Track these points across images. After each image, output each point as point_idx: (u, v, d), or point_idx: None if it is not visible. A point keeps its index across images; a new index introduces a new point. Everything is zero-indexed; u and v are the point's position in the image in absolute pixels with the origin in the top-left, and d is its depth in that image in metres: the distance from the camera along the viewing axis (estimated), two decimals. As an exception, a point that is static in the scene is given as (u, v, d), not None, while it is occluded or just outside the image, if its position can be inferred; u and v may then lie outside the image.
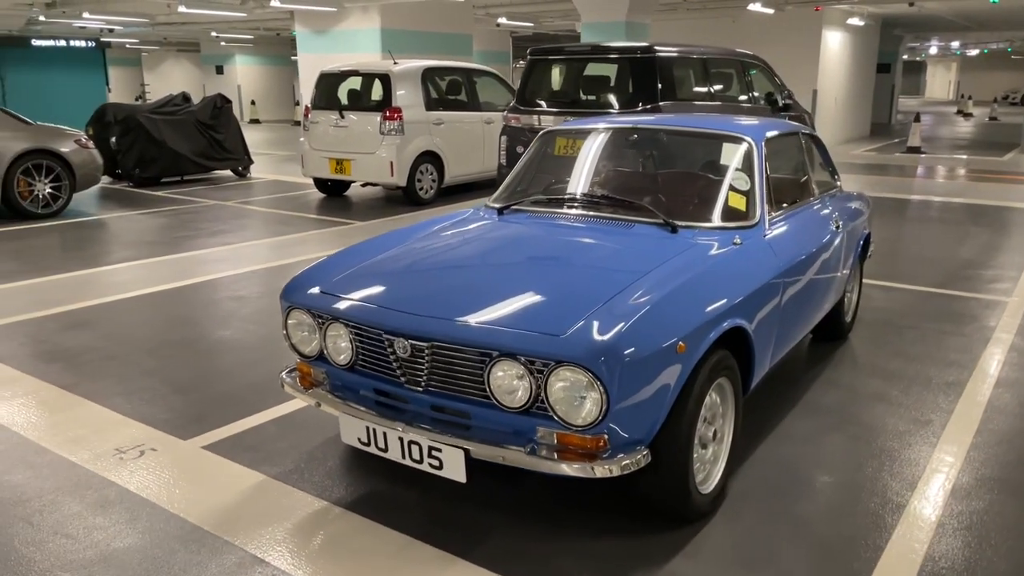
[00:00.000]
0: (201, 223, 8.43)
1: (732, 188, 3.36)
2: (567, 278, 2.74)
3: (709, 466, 2.82)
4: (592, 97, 7.56)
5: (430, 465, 2.51)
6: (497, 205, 3.62)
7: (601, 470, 2.33)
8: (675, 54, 7.36)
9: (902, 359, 4.33)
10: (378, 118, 9.16)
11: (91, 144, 9.16)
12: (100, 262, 6.63)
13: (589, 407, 2.30)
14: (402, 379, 2.60)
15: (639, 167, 3.73)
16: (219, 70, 28.53)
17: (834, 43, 16.77)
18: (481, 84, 10.52)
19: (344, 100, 9.73)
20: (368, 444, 2.64)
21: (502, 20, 17.01)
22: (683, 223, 3.19)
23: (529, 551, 2.57)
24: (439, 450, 2.47)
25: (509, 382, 2.39)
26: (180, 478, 3.03)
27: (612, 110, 7.19)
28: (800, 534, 2.68)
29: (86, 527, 2.70)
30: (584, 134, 3.91)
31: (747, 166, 3.39)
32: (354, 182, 9.92)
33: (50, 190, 8.72)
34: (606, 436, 2.34)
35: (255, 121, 27.04)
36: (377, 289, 2.77)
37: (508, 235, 3.25)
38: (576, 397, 2.32)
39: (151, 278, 6.07)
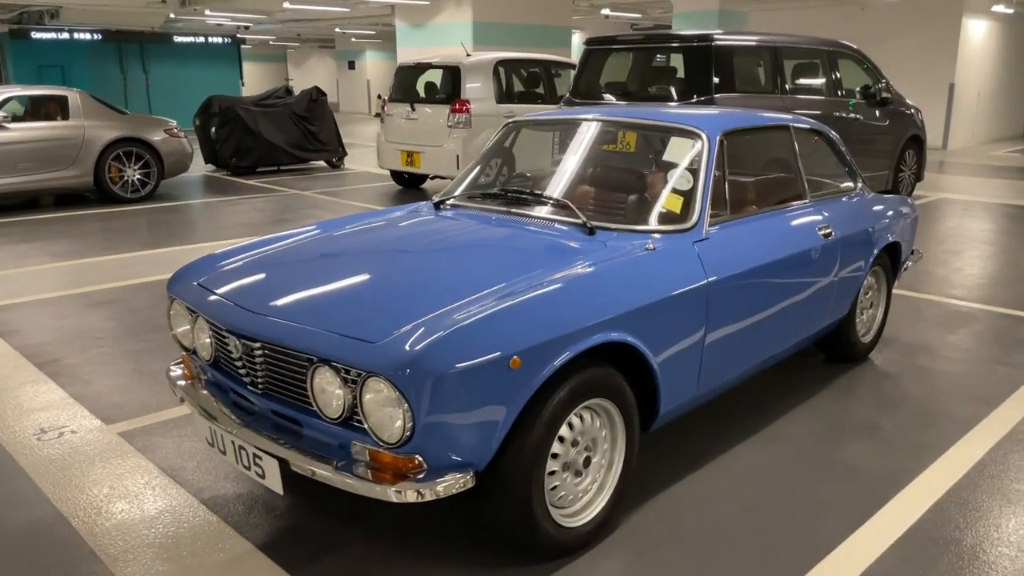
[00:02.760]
0: (272, 211, 8.68)
1: (671, 187, 3.00)
2: (433, 280, 2.51)
3: (588, 496, 2.52)
4: (647, 88, 7.16)
5: (256, 473, 2.36)
6: (436, 199, 3.43)
7: (412, 494, 2.10)
8: (738, 43, 6.83)
9: (919, 386, 3.77)
10: (446, 111, 9.11)
11: (181, 134, 9.65)
12: (162, 244, 6.93)
13: (397, 424, 2.08)
14: (246, 380, 2.47)
15: (587, 162, 3.41)
16: (351, 65, 29.61)
17: (977, 33, 15.20)
18: (565, 77, 10.24)
19: (421, 93, 9.76)
20: (213, 445, 2.53)
21: (607, 11, 16.59)
22: (604, 224, 2.88)
23: (369, 572, 2.38)
24: (260, 458, 2.32)
25: (330, 390, 2.21)
26: (73, 462, 3.04)
27: (668, 102, 6.78)
28: (675, 584, 2.34)
29: (-35, 504, 2.75)
30: (542, 126, 3.64)
31: (693, 163, 3.02)
32: (425, 175, 9.93)
33: (139, 176, 9.27)
34: (419, 457, 2.11)
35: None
36: (240, 284, 2.64)
37: (417, 232, 3.05)
38: (388, 412, 2.11)
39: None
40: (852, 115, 7.98)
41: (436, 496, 2.11)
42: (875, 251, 3.87)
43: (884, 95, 8.31)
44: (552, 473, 2.37)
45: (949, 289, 5.51)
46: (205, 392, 2.68)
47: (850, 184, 4.01)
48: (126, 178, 9.17)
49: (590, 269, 2.50)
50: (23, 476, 2.94)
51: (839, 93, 7.92)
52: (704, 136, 3.07)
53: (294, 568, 2.40)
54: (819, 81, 7.80)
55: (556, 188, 3.26)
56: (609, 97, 7.37)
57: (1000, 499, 2.79)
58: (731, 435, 3.28)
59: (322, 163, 12.76)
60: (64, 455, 3.11)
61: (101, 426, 3.37)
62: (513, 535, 2.33)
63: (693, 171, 3.01)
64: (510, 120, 3.75)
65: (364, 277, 2.57)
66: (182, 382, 2.77)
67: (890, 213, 4.08)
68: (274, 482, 2.31)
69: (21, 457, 3.09)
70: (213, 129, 11.63)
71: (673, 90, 6.77)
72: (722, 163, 3.08)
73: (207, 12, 16.24)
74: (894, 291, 5.42)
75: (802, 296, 3.34)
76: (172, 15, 16.68)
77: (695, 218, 2.90)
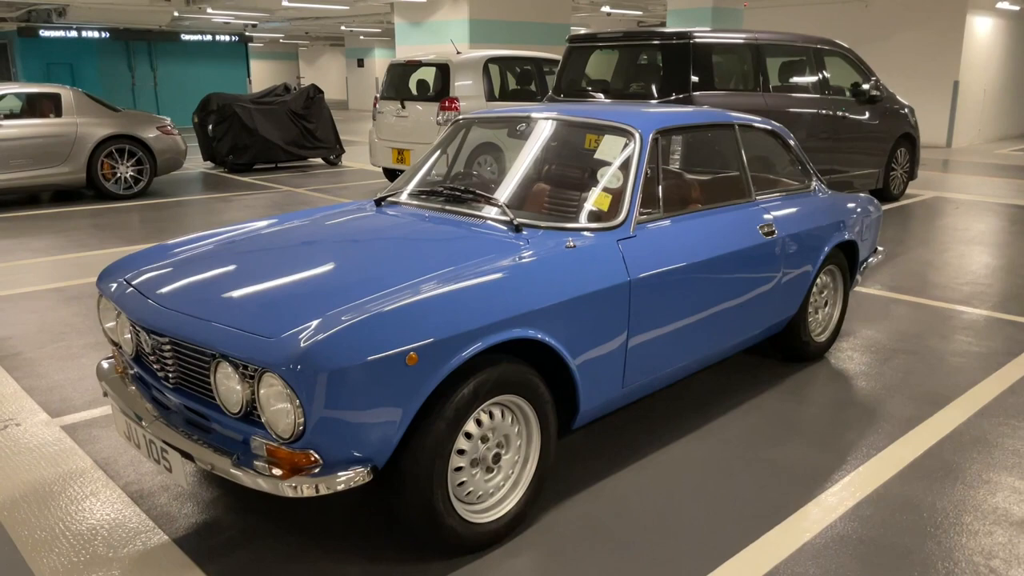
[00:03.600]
0: (264, 208, 8.74)
1: (599, 184, 3.01)
2: (345, 276, 2.52)
3: (502, 492, 2.53)
4: (626, 86, 7.14)
5: (164, 466, 2.39)
6: (379, 196, 3.45)
7: (308, 489, 2.12)
8: (717, 41, 6.80)
9: (870, 385, 3.74)
10: (436, 108, 9.13)
11: (175, 131, 9.74)
12: (147, 240, 7.00)
13: (289, 419, 2.10)
14: (160, 374, 2.50)
15: (525, 159, 3.40)
16: (360, 63, 29.72)
17: (982, 30, 15.03)
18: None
19: (413, 91, 9.78)
20: (130, 439, 2.56)
21: (608, 8, 16.54)
22: (532, 222, 2.89)
23: (272, 570, 2.40)
24: (167, 452, 2.35)
25: (230, 385, 2.23)
26: (12, 454, 3.09)
27: (648, 100, 6.75)
28: (579, 581, 2.34)
29: (-102, 495, 2.81)
30: (487, 124, 3.65)
31: (625, 161, 3.02)
32: (416, 172, 9.96)
33: (132, 173, 9.36)
34: (313, 452, 2.13)
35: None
36: (157, 279, 2.66)
37: (348, 229, 3.07)
38: (282, 407, 2.13)
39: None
40: (839, 113, 7.92)
41: (333, 490, 2.13)
42: (826, 249, 3.84)
43: (873, 93, 8.24)
44: (459, 469, 2.38)
45: (922, 289, 5.47)
46: (132, 388, 2.71)
47: (803, 183, 3.99)
48: (119, 175, 9.26)
49: (502, 266, 2.51)
50: (-41, 467, 3.00)
51: (826, 91, 7.86)
52: (636, 134, 3.06)
53: (204, 561, 2.43)
54: (804, 79, 7.74)
55: (491, 186, 3.27)
56: (599, 96, 7.35)
57: (923, 498, 2.77)
58: (666, 433, 3.28)
59: (319, 160, 12.82)
60: (4, 447, 3.15)
61: (47, 419, 3.42)
62: (417, 530, 2.34)
63: (624, 169, 3.01)
64: (458, 118, 3.76)
65: (280, 272, 2.59)
66: (111, 377, 2.81)
67: (845, 212, 4.05)
68: (179, 476, 2.34)
69: (-38, 449, 3.14)
70: (210, 126, 11.72)
71: (648, 88, 6.75)
72: (655, 161, 3.08)
73: (209, 10, 16.35)
74: (863, 290, 5.39)
75: (741, 294, 3.33)
76: (176, 13, 16.81)
77: (622, 216, 2.90)
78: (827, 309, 4.15)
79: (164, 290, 2.55)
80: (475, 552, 2.46)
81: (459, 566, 2.41)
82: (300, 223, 3.19)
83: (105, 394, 2.74)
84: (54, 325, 4.68)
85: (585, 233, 2.84)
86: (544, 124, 3.39)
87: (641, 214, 2.99)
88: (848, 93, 8.25)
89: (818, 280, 3.98)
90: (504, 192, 3.16)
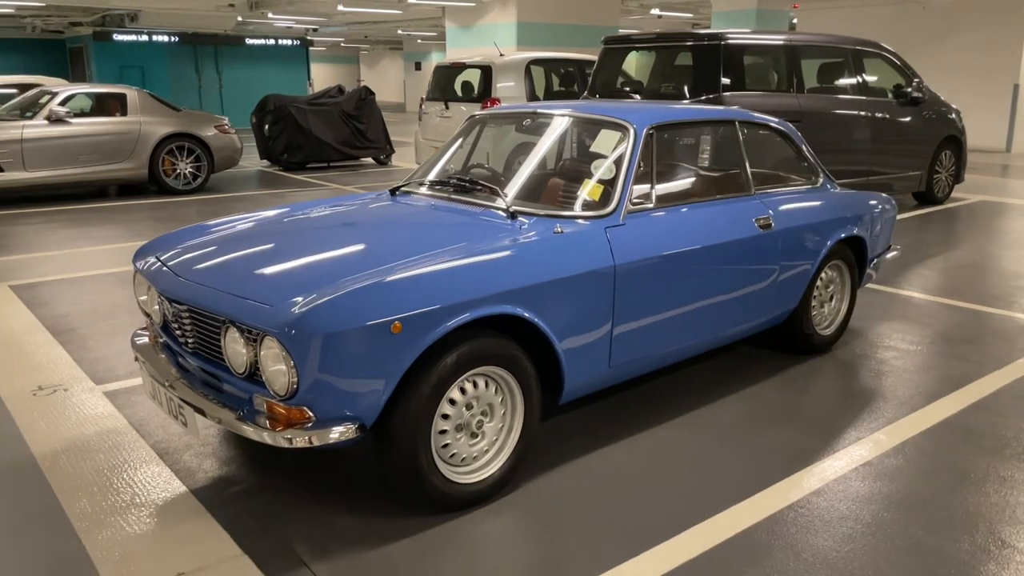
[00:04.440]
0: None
1: (593, 175, 3.19)
2: (348, 254, 2.76)
3: (487, 457, 2.73)
4: (659, 87, 7.27)
5: (181, 422, 2.67)
6: (393, 185, 3.70)
7: (301, 440, 2.36)
8: (750, 42, 6.88)
9: (869, 379, 3.83)
10: (478, 109, 9.38)
11: (231, 130, 10.22)
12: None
13: (284, 379, 2.35)
14: (180, 340, 2.78)
15: (530, 152, 3.60)
16: (417, 66, 30.29)
17: (1046, 31, 14.60)
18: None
19: (458, 92, 10.06)
20: (154, 398, 2.84)
21: (657, 11, 16.58)
22: (528, 209, 3.09)
23: (274, 517, 2.65)
24: (184, 408, 2.62)
25: (236, 348, 2.49)
26: (58, 414, 3.42)
27: (679, 100, 6.87)
28: (542, 543, 2.53)
29: (-42, 445, 3.16)
30: (498, 120, 3.86)
31: (618, 154, 3.20)
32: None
33: (191, 169, 9.86)
34: (307, 409, 2.37)
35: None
36: (182, 254, 2.95)
37: (360, 214, 3.31)
38: (278, 367, 2.37)
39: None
40: (879, 115, 7.89)
41: (324, 443, 2.36)
42: (829, 244, 3.94)
43: (915, 95, 8.17)
44: (444, 432, 2.59)
45: (945, 289, 5.47)
46: (162, 355, 3.00)
47: (809, 179, 4.09)
48: (178, 171, 9.77)
49: (489, 248, 2.71)
50: (12, 424, 3.33)
51: (865, 93, 7.84)
52: (631, 128, 3.24)
53: (215, 508, 2.69)
54: (842, 81, 7.74)
55: (495, 176, 3.48)
56: (635, 96, 7.50)
57: (891, 486, 2.88)
58: (657, 416, 3.43)
59: (370, 160, 13.22)
60: (52, 408, 3.49)
61: (91, 386, 3.75)
62: (402, 486, 2.56)
63: (618, 161, 3.19)
64: (473, 115, 3.98)
65: (290, 250, 2.84)
66: (142, 344, 3.11)
67: (853, 208, 4.13)
68: (193, 429, 2.61)
69: (16, 409, 3.48)
70: (267, 126, 12.21)
71: (680, 89, 6.87)
72: (649, 154, 3.25)
73: (270, 15, 16.96)
74: (887, 288, 5.43)
75: (735, 283, 3.47)
76: (240, 18, 17.49)
77: (612, 205, 3.08)
78: (834, 303, 4.24)
79: (186, 265, 2.83)
80: (458, 510, 2.67)
81: (443, 522, 2.62)
82: (320, 210, 3.45)
83: (136, 359, 3.03)
84: (107, 305, 5.06)
85: (578, 220, 3.03)
86: (548, 120, 3.59)
87: (634, 204, 3.16)
88: (890, 95, 8.21)
89: (823, 274, 4.08)
90: (505, 182, 3.37)
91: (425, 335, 2.44)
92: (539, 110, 3.64)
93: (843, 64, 7.79)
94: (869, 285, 5.37)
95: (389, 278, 2.46)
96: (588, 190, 3.15)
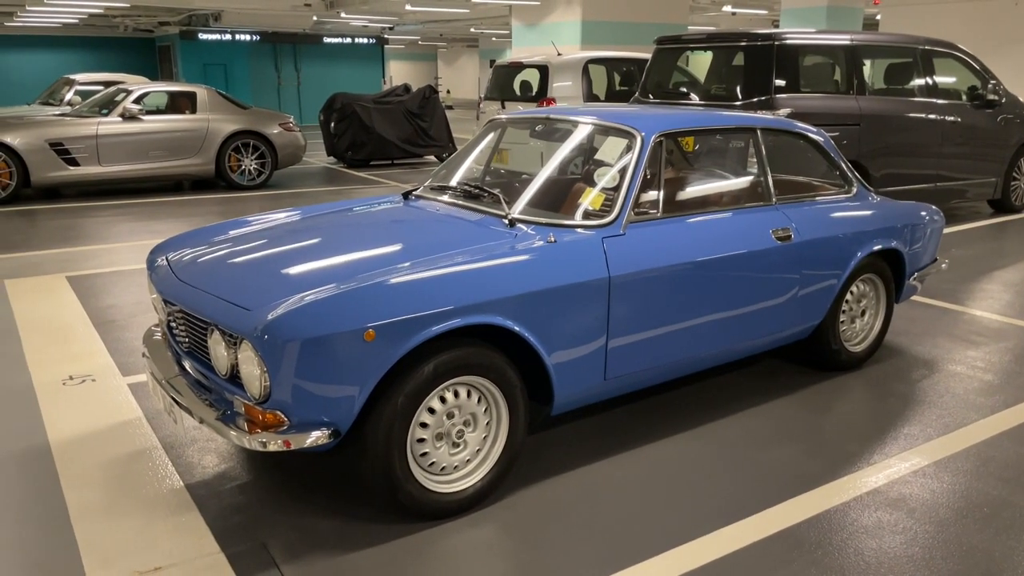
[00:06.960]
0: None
1: (596, 183, 3.13)
2: (337, 259, 2.77)
3: (469, 467, 2.71)
4: (710, 88, 7.09)
5: (172, 419, 2.74)
6: (406, 188, 3.71)
7: (273, 444, 2.39)
8: (805, 42, 6.63)
9: (893, 402, 3.64)
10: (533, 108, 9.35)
11: (296, 127, 10.48)
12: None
13: (257, 382, 2.38)
14: (178, 340, 2.86)
15: (537, 157, 3.56)
16: (491, 64, 30.40)
17: None
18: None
19: (516, 91, 10.05)
20: (154, 393, 2.93)
21: (729, 8, 16.16)
22: (528, 217, 3.06)
23: (257, 517, 2.70)
24: (174, 406, 2.69)
25: (219, 350, 2.54)
26: (81, 403, 3.57)
27: (730, 103, 6.69)
28: (518, 556, 2.49)
29: (-16, 431, 3.33)
30: (515, 124, 3.83)
31: (624, 162, 3.12)
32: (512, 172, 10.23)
33: (255, 166, 10.16)
34: (281, 413, 2.40)
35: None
36: (184, 257, 3.03)
37: (363, 219, 3.34)
38: (253, 371, 2.41)
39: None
40: (949, 118, 7.50)
41: (299, 447, 2.39)
42: (858, 256, 3.76)
43: (991, 97, 7.73)
44: (423, 440, 2.59)
45: (1007, 306, 5.15)
46: (168, 353, 3.09)
47: (842, 188, 3.92)
48: (243, 167, 10.08)
49: (475, 257, 2.69)
50: (37, 413, 3.50)
51: (935, 95, 7.46)
52: (638, 136, 3.16)
53: (204, 503, 2.76)
54: (908, 82, 7.39)
55: (509, 182, 3.45)
56: (692, 97, 7.34)
57: (890, 515, 2.72)
58: (659, 429, 3.34)
59: (432, 158, 13.35)
60: (77, 398, 3.65)
61: (118, 377, 3.90)
62: (377, 492, 2.57)
63: (623, 170, 3.11)
64: (492, 118, 3.96)
65: (283, 255, 2.89)
66: (152, 341, 3.21)
67: (890, 219, 3.93)
68: (181, 426, 2.68)
69: (44, 398, 3.65)
70: (332, 124, 12.48)
71: (731, 90, 6.68)
72: (656, 163, 3.16)
73: (343, 15, 17.32)
74: (937, 303, 5.15)
75: (749, 296, 3.34)
76: (316, 18, 17.92)
77: (613, 215, 3.01)
78: (866, 318, 4.04)
79: (183, 266, 2.91)
80: (436, 519, 2.66)
81: (419, 531, 2.61)
82: (325, 213, 3.49)
83: (144, 355, 3.14)
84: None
85: (577, 230, 2.98)
86: (560, 126, 3.54)
87: (638, 214, 3.08)
88: (963, 97, 7.79)
89: (854, 288, 3.90)
90: (515, 188, 3.34)
91: (400, 344, 2.44)
92: (552, 115, 3.59)
93: (911, 65, 7.43)
94: (915, 298, 5.11)
95: (366, 285, 2.47)
96: (590, 199, 3.09)
